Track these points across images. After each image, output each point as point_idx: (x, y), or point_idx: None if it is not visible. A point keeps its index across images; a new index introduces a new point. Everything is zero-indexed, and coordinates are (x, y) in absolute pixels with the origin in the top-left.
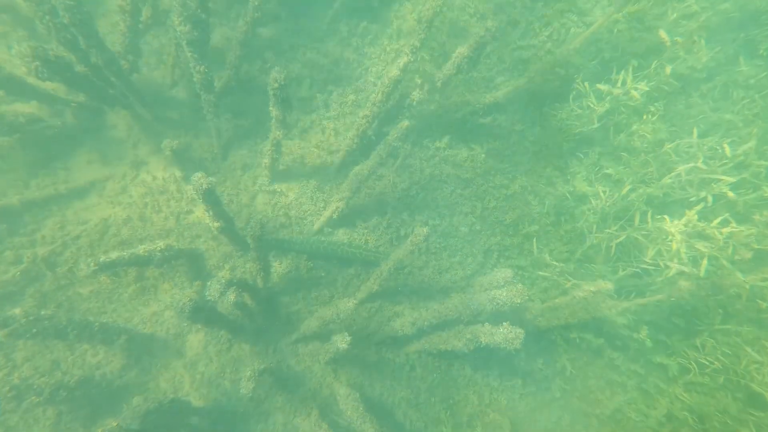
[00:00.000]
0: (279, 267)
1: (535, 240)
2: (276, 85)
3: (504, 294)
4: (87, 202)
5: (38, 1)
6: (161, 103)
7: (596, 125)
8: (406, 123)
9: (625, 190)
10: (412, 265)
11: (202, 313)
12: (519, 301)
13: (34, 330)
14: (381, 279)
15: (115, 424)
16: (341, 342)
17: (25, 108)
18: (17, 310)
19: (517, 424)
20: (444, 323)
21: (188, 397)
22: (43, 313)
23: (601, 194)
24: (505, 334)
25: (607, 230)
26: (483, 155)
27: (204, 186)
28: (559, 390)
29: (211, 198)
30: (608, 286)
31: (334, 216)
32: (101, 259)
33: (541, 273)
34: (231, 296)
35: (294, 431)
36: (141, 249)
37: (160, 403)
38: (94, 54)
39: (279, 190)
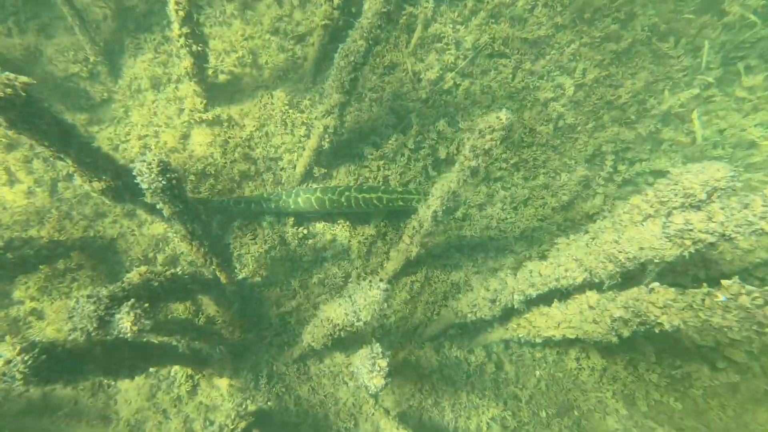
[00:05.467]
0: (252, 245)
1: (695, 117)
2: None
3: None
4: None
5: None
6: None
7: None
8: None
9: None
10: (469, 202)
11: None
12: None
13: None
14: (422, 235)
15: None
16: (374, 379)
17: None
18: None
19: None
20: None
21: None
22: None
23: None
24: None
25: None
26: None
27: None
28: None
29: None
30: None
31: (325, 144)
32: None
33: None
34: (126, 322)
35: None
36: None
37: None
38: None
39: (225, 116)
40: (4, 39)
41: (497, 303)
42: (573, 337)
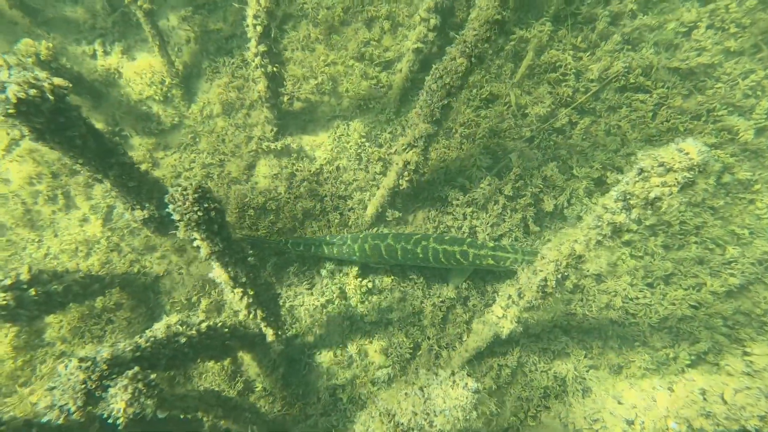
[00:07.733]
0: (308, 296)
1: None
2: None
3: None
4: None
5: None
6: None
7: None
8: None
9: None
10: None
11: None
12: None
13: None
14: (521, 308)
15: None
16: None
17: None
18: None
19: None
20: None
21: None
22: None
23: None
24: None
25: None
26: None
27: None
28: None
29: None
30: None
31: (403, 183)
32: None
33: None
34: (119, 402)
35: None
36: None
37: None
38: None
39: (295, 145)
40: (88, 61)
41: (637, 428)
42: None
